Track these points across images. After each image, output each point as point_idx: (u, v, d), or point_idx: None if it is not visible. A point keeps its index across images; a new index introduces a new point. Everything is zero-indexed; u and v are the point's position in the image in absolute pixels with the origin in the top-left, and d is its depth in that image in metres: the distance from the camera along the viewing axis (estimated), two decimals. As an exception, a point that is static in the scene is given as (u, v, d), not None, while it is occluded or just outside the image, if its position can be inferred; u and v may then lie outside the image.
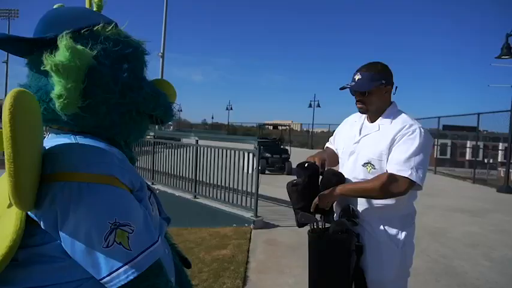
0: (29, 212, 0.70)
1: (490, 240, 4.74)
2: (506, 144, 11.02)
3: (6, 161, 0.61)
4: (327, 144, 2.11)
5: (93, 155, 0.75)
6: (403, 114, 1.73)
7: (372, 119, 1.77)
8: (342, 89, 1.76)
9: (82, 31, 0.79)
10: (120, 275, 0.69)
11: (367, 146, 1.71)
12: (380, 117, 1.74)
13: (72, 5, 0.89)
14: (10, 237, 0.68)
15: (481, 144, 14.35)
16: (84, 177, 0.69)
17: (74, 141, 0.79)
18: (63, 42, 0.73)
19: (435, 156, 14.17)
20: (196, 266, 3.47)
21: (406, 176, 1.56)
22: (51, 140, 0.80)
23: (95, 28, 0.81)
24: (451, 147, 17.18)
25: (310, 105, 31.80)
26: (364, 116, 1.82)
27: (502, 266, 3.83)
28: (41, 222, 0.70)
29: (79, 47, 0.74)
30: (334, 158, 1.98)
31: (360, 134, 1.78)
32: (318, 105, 31.74)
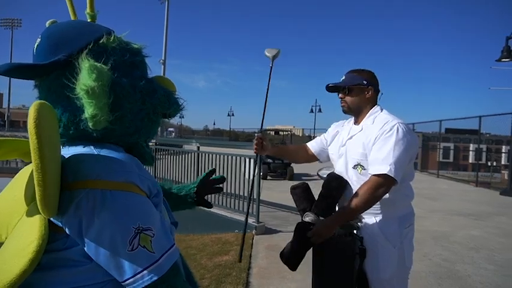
0: (51, 219, 0.73)
1: (494, 243, 4.71)
2: (509, 147, 10.99)
3: (34, 171, 0.64)
4: (308, 143, 2.14)
5: (115, 164, 0.78)
6: (384, 113, 1.77)
7: (357, 122, 1.83)
8: (328, 89, 1.85)
9: (89, 46, 0.80)
10: (144, 276, 0.72)
11: (353, 148, 1.76)
12: (364, 119, 1.79)
13: (58, 17, 0.90)
14: (36, 242, 0.70)
15: (483, 147, 14.32)
16: (107, 185, 0.72)
17: (93, 151, 0.81)
18: (86, 64, 0.75)
19: (438, 159, 14.13)
20: (198, 272, 3.47)
21: (386, 172, 1.57)
22: (68, 150, 0.82)
23: (100, 41, 0.82)
24: (454, 150, 17.13)
25: (311, 111, 31.85)
26: (352, 120, 1.88)
27: (506, 269, 3.80)
28: (66, 228, 0.73)
29: (99, 65, 0.76)
30: (297, 153, 2.12)
31: (347, 136, 1.83)
32: (320, 110, 31.83)
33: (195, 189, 1.31)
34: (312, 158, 2.07)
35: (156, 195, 0.83)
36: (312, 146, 2.07)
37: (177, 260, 0.79)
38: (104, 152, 0.80)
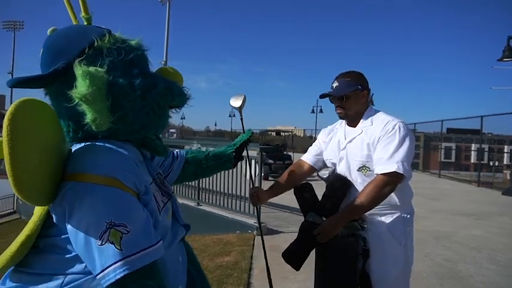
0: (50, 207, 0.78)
1: (496, 243, 4.69)
2: (511, 147, 10.96)
3: (5, 162, 0.67)
4: (302, 157, 2.10)
5: (102, 159, 0.79)
6: (381, 113, 1.79)
7: (353, 124, 1.82)
8: (321, 96, 1.84)
9: (86, 50, 0.82)
10: (110, 273, 0.72)
11: (356, 151, 1.75)
12: (361, 121, 1.80)
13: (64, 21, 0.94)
14: (29, 226, 0.77)
15: (485, 147, 14.28)
16: (91, 178, 0.75)
17: (91, 145, 0.84)
18: (79, 71, 0.77)
19: (439, 159, 14.11)
20: (199, 273, 3.47)
21: (394, 170, 1.58)
22: (76, 144, 0.87)
23: (95, 44, 0.84)
24: (456, 150, 17.10)
25: (312, 111, 31.78)
26: (343, 122, 1.88)
27: (508, 269, 3.79)
28: (53, 216, 0.77)
29: (92, 70, 0.78)
30: (294, 178, 1.99)
31: (345, 139, 1.82)
32: (321, 111, 31.68)
33: (234, 153, 1.41)
34: (309, 171, 2.04)
35: (146, 193, 0.84)
36: (308, 158, 2.05)
37: (156, 262, 0.78)
38: (101, 147, 0.82)
